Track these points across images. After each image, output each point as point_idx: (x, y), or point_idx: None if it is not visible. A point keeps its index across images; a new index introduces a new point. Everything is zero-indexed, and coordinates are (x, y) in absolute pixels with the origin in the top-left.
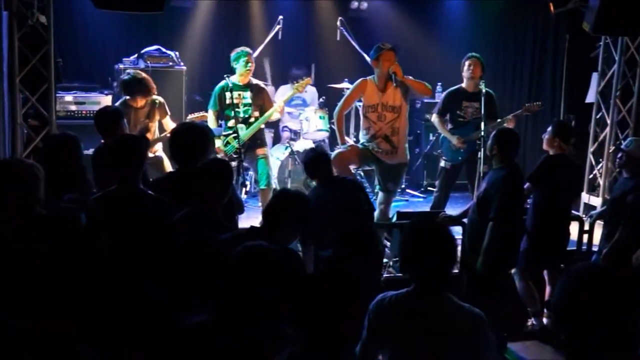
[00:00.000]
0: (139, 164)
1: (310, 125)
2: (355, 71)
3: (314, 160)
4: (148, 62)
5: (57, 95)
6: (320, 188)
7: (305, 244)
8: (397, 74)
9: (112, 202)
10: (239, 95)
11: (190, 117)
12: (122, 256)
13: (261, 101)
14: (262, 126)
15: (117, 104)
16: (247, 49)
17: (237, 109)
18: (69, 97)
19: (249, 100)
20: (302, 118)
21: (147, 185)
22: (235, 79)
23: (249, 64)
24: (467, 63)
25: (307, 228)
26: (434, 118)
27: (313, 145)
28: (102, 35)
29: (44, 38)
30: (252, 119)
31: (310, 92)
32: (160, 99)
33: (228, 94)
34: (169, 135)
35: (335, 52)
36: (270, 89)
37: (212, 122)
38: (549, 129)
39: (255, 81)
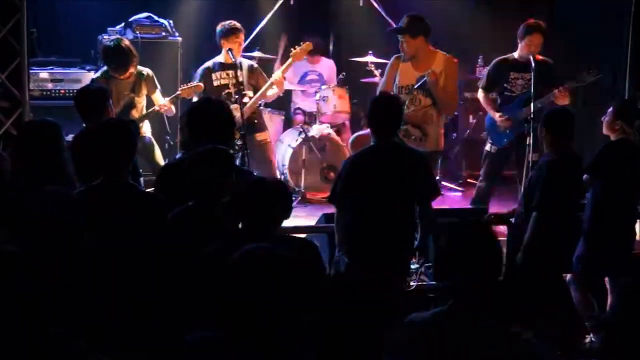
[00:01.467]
0: (129, 155)
1: (328, 106)
2: (381, 43)
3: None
4: (137, 32)
5: (31, 71)
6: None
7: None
8: (432, 78)
9: (97, 199)
10: (227, 74)
11: (181, 88)
12: (109, 260)
13: (254, 79)
14: (262, 107)
15: (96, 75)
16: (231, 25)
17: (227, 91)
18: (44, 74)
19: (240, 79)
20: (318, 98)
21: (137, 177)
22: (221, 58)
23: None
24: (528, 37)
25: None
26: (480, 94)
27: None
28: (84, 2)
29: (15, 5)
30: (245, 100)
31: (328, 67)
32: (148, 71)
33: (214, 76)
34: (158, 109)
35: (358, 19)
36: (279, 66)
37: None
38: (609, 109)
39: (243, 59)
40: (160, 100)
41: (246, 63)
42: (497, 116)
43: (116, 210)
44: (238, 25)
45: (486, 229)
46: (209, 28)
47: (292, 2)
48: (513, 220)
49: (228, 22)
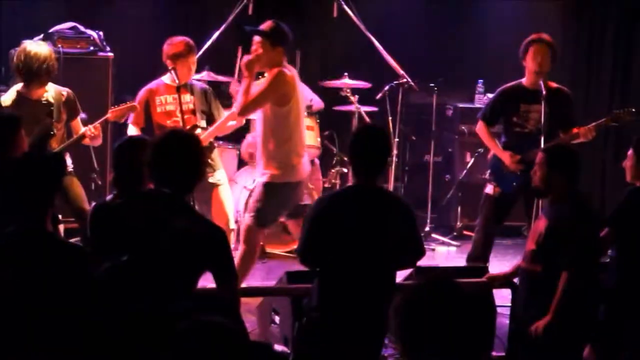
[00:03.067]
0: (50, 198)
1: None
2: (359, 63)
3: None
4: (59, 45)
5: None
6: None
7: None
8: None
9: (8, 253)
10: (175, 99)
11: (111, 109)
12: (22, 329)
13: (206, 106)
14: (215, 142)
15: (5, 96)
16: (184, 43)
17: (173, 118)
18: None
19: (190, 106)
20: None
21: (56, 224)
22: (167, 79)
23: (193, 66)
24: (531, 50)
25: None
26: (479, 127)
27: None
28: None
29: None
30: (197, 131)
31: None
32: (68, 91)
33: (157, 100)
34: (83, 136)
35: (331, 34)
36: (236, 87)
37: (133, 133)
38: (630, 151)
39: (194, 81)
40: (82, 129)
41: (198, 86)
42: (506, 156)
43: (34, 265)
44: (190, 42)
45: (457, 290)
46: (149, 41)
47: (250, 12)
48: (517, 280)
49: (178, 38)
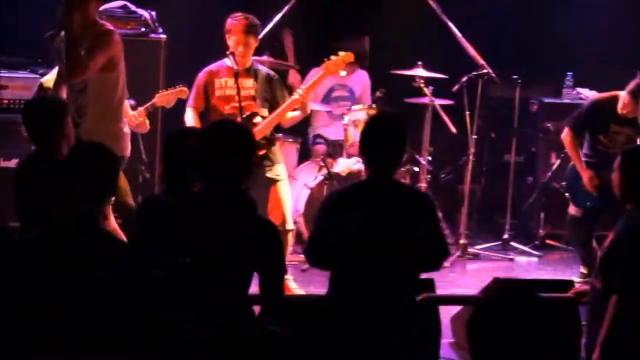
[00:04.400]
0: (108, 191)
1: (359, 132)
2: (435, 51)
3: None
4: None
5: None
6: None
7: None
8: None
9: (56, 249)
10: (238, 81)
11: (159, 94)
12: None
13: (270, 94)
14: (276, 133)
15: (47, 76)
16: (243, 19)
17: (232, 104)
18: None
19: (252, 92)
20: (346, 121)
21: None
22: (230, 61)
23: (240, 47)
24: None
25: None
26: (565, 135)
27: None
28: None
29: None
30: (256, 120)
31: (361, 80)
32: None
33: (217, 83)
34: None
35: (404, 19)
36: (296, 73)
37: (191, 122)
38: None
39: (259, 65)
40: (130, 113)
41: (263, 71)
42: (586, 175)
43: (84, 262)
44: (253, 19)
45: (539, 304)
46: (204, 23)
47: None
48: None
49: (240, 14)
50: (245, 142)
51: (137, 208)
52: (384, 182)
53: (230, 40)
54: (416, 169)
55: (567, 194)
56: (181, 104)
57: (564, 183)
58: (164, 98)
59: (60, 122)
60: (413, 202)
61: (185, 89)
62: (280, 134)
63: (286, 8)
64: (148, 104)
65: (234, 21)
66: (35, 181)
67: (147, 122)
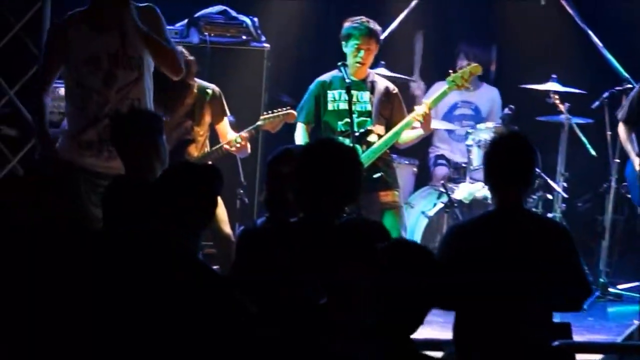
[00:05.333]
0: (205, 217)
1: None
2: (570, 63)
3: None
4: (206, 33)
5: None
6: None
7: None
8: None
9: (146, 281)
10: (350, 95)
11: (264, 116)
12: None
13: (388, 110)
14: (392, 153)
15: None
16: (365, 22)
17: (344, 120)
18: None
19: (367, 107)
20: (470, 142)
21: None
22: (345, 71)
23: (362, 52)
24: None
25: None
26: (620, 128)
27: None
28: None
29: None
30: (371, 138)
31: (488, 96)
32: (214, 88)
33: (330, 95)
34: (227, 147)
35: (535, 26)
36: (418, 87)
37: (301, 139)
38: None
39: (377, 77)
40: (230, 134)
41: (381, 84)
42: (637, 161)
43: (174, 292)
44: (376, 25)
45: None
46: (311, 30)
47: None
48: None
49: (360, 17)
50: (351, 164)
51: (237, 239)
52: (513, 211)
53: (349, 47)
54: (549, 196)
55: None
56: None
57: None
58: (269, 121)
59: (152, 140)
60: (548, 234)
61: (293, 112)
62: (396, 155)
63: (406, 11)
64: (251, 128)
65: (354, 25)
66: (124, 203)
67: (248, 145)
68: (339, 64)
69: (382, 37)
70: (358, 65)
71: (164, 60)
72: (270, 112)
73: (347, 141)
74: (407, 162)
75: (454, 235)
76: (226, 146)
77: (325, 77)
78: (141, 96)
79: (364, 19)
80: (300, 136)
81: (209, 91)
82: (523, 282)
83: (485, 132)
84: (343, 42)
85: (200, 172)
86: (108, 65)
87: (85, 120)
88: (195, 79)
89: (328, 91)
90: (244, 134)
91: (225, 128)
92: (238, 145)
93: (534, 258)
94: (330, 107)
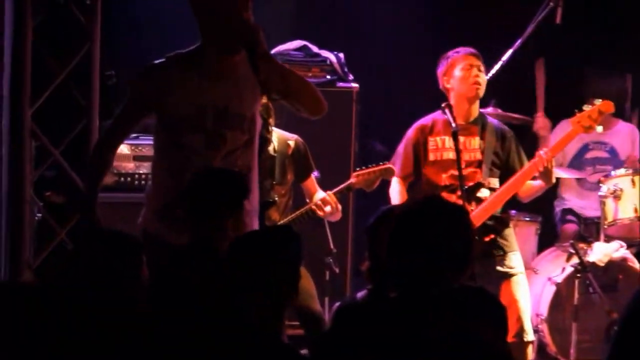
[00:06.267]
0: (286, 295)
1: (623, 207)
2: None
3: None
4: None
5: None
6: None
7: None
8: None
9: None
10: (457, 142)
11: (357, 172)
12: None
13: (502, 158)
14: (509, 209)
15: None
16: (470, 52)
17: (450, 172)
18: (124, 148)
19: (477, 155)
20: (605, 192)
21: None
22: (449, 112)
23: (475, 70)
24: None
25: None
26: None
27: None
28: (189, 22)
29: (83, 30)
30: (482, 193)
31: (625, 135)
32: (297, 139)
33: (432, 142)
34: (315, 209)
35: None
36: (542, 126)
37: (397, 197)
38: None
39: (489, 119)
40: (318, 193)
41: (494, 125)
42: None
43: None
44: (475, 53)
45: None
46: (406, 67)
47: (557, 19)
48: None
49: (460, 50)
50: (460, 226)
51: (332, 317)
52: None
53: (453, 80)
54: None
55: None
56: None
57: None
58: (364, 179)
59: (240, 208)
60: None
61: (392, 167)
62: (514, 211)
63: (522, 38)
64: (342, 187)
65: (457, 54)
66: (192, 276)
67: (339, 206)
68: (443, 104)
69: (494, 71)
70: (476, 87)
71: (304, 97)
72: (364, 167)
73: (453, 197)
74: (527, 219)
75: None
76: (314, 207)
77: (425, 120)
78: (251, 164)
79: (467, 48)
80: (397, 193)
81: (291, 143)
82: None
83: (623, 179)
84: (444, 77)
85: (275, 236)
86: (214, 123)
87: (179, 188)
88: (274, 129)
89: (429, 137)
90: (331, 194)
91: (311, 186)
92: (329, 207)
93: None
94: (432, 157)
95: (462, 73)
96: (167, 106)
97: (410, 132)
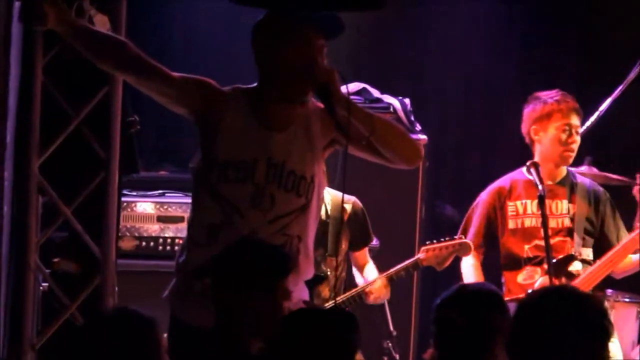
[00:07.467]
0: None
1: None
2: None
3: None
4: None
5: (125, 200)
6: None
7: None
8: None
9: None
10: (545, 207)
11: (426, 247)
12: None
13: (597, 223)
14: (604, 288)
15: None
16: (565, 94)
17: (534, 242)
18: (146, 206)
19: (566, 222)
20: None
21: None
22: (534, 173)
23: (570, 132)
24: None
25: None
26: None
27: None
28: (228, 60)
29: (98, 73)
30: (573, 266)
31: None
32: (355, 201)
33: (512, 207)
34: (368, 292)
35: None
36: None
37: (472, 275)
38: None
39: (581, 178)
40: (372, 273)
41: (586, 185)
42: None
43: None
44: (568, 98)
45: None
46: (482, 117)
47: None
48: None
49: (550, 92)
50: (598, 326)
51: None
52: None
53: (544, 136)
54: None
55: None
56: None
57: None
58: (434, 255)
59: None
60: None
61: (468, 242)
62: (611, 290)
63: (623, 85)
64: (407, 263)
65: (557, 103)
66: None
67: (389, 288)
68: (528, 163)
69: (589, 123)
70: (568, 154)
71: (395, 141)
72: (434, 240)
73: (538, 271)
74: (627, 299)
75: None
76: (367, 290)
77: (503, 182)
78: (304, 234)
79: (561, 92)
80: (471, 267)
81: (348, 207)
82: None
83: None
84: (534, 126)
85: (328, 319)
86: (265, 179)
87: (211, 252)
88: (328, 189)
89: (508, 202)
90: (383, 277)
91: (362, 257)
92: (381, 292)
93: None
94: (511, 225)
95: (556, 133)
96: (217, 134)
97: (485, 196)
